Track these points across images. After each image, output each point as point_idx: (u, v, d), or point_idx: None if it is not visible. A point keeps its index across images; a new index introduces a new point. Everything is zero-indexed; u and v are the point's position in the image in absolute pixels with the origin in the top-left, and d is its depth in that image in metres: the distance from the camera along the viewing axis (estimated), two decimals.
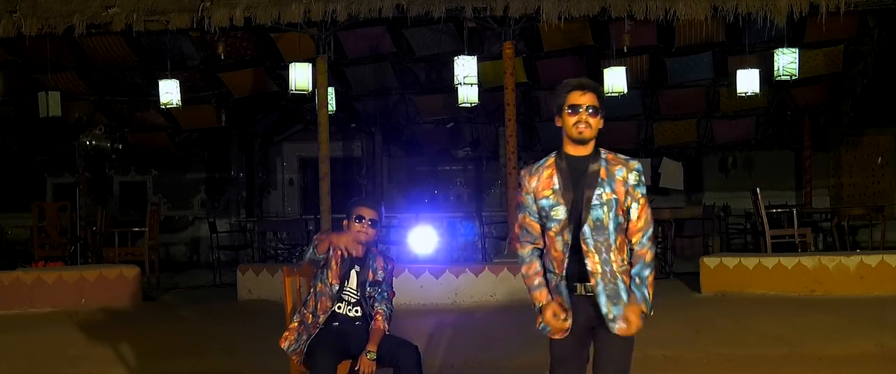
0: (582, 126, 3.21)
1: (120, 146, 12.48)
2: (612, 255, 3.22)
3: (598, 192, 3.22)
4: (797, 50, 9.67)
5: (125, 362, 6.23)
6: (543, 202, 3.27)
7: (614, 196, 3.22)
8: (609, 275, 3.22)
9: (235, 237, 12.85)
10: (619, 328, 3.19)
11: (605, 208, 3.21)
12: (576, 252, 3.24)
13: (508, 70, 8.99)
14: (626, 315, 3.20)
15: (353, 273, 4.17)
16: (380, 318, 4.12)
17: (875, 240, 11.04)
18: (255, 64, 11.85)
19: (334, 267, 4.10)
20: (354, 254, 4.06)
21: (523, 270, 3.37)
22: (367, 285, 4.18)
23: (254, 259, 11.00)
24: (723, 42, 11.13)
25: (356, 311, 4.18)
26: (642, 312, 3.23)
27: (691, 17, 8.54)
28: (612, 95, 9.91)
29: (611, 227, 3.22)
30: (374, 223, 4.14)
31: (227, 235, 12.38)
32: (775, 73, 9.72)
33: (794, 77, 9.72)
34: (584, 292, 3.25)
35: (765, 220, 9.75)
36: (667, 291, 8.24)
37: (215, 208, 14.80)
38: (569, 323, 3.25)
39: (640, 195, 3.27)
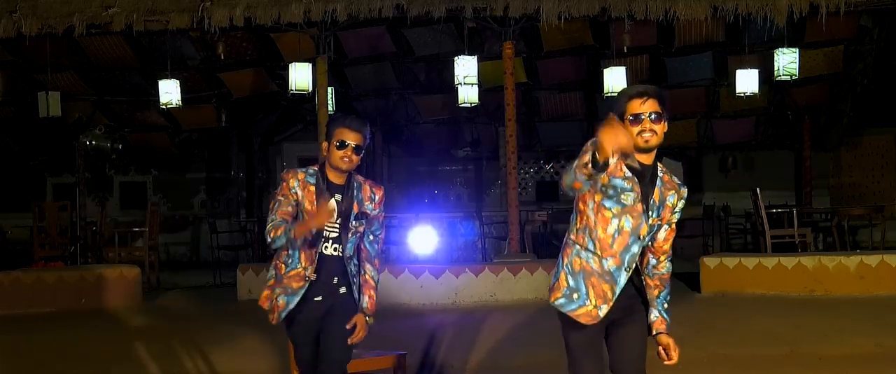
0: (647, 135, 3.04)
1: (120, 146, 12.51)
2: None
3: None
4: (797, 50, 9.67)
5: (125, 362, 6.23)
6: (618, 181, 3.04)
7: (659, 222, 3.14)
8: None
9: (235, 237, 12.84)
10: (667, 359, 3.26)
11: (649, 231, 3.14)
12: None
13: (508, 70, 8.99)
14: (667, 342, 3.24)
15: (333, 204, 3.58)
16: (372, 293, 3.67)
17: (875, 240, 11.02)
18: (255, 64, 11.84)
19: (309, 208, 3.53)
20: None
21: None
22: (351, 218, 3.60)
23: (254, 259, 11.00)
24: (723, 42, 11.12)
25: (335, 248, 3.60)
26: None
27: (691, 17, 8.55)
28: (612, 95, 9.91)
29: (642, 249, 3.14)
30: (358, 150, 3.56)
31: (227, 235, 12.36)
32: (775, 73, 9.73)
33: (794, 77, 9.73)
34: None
35: (765, 220, 9.74)
36: None
37: (215, 208, 14.79)
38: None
39: (675, 221, 3.20)
